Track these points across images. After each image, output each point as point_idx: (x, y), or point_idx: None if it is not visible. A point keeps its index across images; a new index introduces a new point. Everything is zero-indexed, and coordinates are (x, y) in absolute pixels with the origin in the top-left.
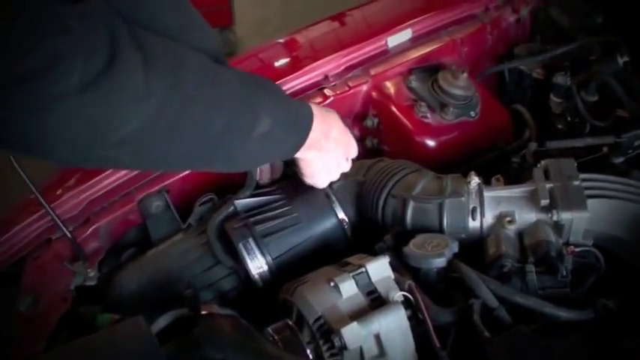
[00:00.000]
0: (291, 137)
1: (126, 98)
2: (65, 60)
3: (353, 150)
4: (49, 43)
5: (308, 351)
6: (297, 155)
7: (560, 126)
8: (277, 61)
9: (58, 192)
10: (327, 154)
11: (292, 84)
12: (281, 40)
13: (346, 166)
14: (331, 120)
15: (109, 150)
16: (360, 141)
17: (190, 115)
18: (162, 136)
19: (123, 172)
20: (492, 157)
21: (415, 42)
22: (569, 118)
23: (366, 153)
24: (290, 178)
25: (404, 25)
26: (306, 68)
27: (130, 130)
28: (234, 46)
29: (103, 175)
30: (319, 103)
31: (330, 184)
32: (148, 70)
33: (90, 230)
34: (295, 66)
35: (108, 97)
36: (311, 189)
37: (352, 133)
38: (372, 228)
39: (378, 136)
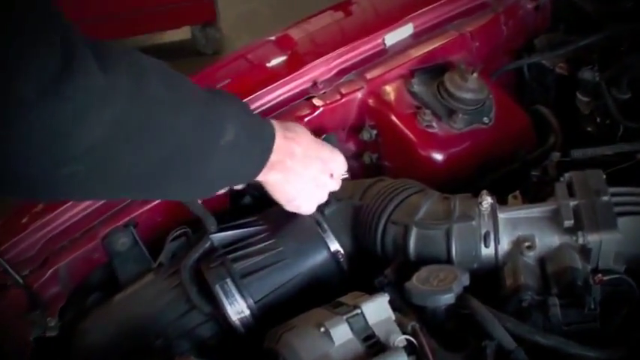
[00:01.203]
0: (255, 149)
1: (87, 102)
2: (18, 68)
3: (337, 164)
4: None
5: None
6: (261, 179)
7: (589, 129)
8: (268, 62)
9: (11, 231)
10: (297, 175)
11: (276, 93)
12: (260, 42)
13: (333, 184)
14: (296, 136)
15: (76, 165)
16: (357, 157)
17: (156, 119)
18: (128, 146)
19: (84, 205)
20: (511, 171)
21: (417, 38)
22: (598, 120)
23: (364, 170)
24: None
25: (404, 19)
26: (291, 75)
27: (96, 138)
28: (219, 44)
29: (62, 208)
30: (307, 115)
31: (321, 210)
32: (107, 72)
33: (48, 273)
34: (277, 73)
35: (68, 102)
36: (297, 217)
37: (339, 147)
38: (371, 259)
39: (377, 150)
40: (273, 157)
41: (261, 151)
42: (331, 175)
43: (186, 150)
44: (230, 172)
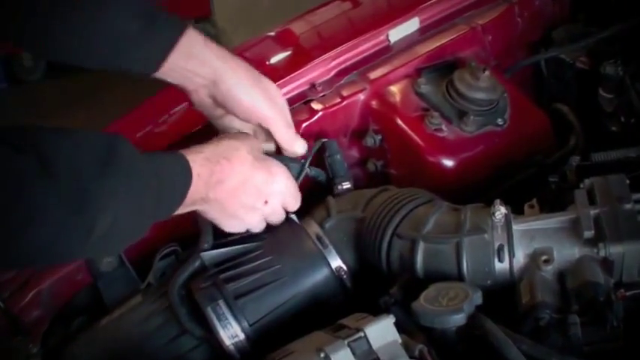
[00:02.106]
0: (163, 203)
1: None
2: None
3: (274, 188)
4: None
5: None
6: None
7: (613, 128)
8: (266, 60)
9: None
10: (221, 205)
11: None
12: (259, 39)
13: (267, 210)
14: (227, 165)
15: None
16: (361, 164)
17: None
18: None
19: None
20: (528, 177)
21: (424, 34)
22: (622, 118)
23: (367, 179)
24: None
25: (409, 13)
26: (287, 77)
27: None
28: (215, 40)
29: None
30: (305, 120)
31: (321, 224)
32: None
33: (30, 296)
34: (273, 74)
35: None
36: (295, 232)
37: (340, 153)
38: (375, 277)
39: (383, 157)
40: (190, 197)
41: (170, 201)
42: (265, 202)
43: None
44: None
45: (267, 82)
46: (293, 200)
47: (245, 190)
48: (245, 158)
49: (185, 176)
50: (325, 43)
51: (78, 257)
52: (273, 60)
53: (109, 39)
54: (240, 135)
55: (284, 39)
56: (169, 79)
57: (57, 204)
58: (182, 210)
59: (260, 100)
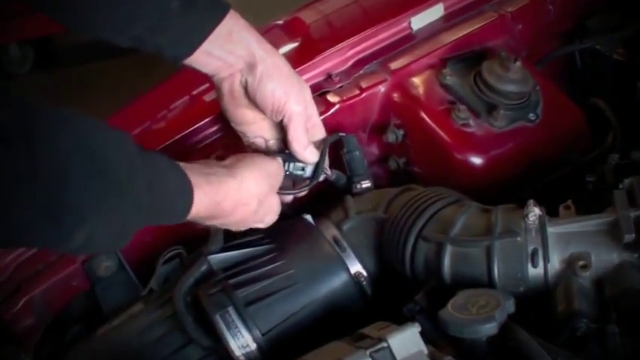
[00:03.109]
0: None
1: None
2: None
3: (268, 207)
4: None
5: None
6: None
7: None
8: None
9: None
10: (223, 219)
11: None
12: (266, 27)
13: (267, 221)
14: (235, 185)
15: None
16: (381, 162)
17: None
18: None
19: None
20: (562, 176)
21: (449, 21)
22: None
23: (389, 177)
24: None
25: None
26: (301, 67)
27: None
28: None
29: None
30: (321, 114)
31: (339, 225)
32: None
33: (21, 302)
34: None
35: None
36: (310, 234)
37: (359, 150)
38: (398, 283)
39: (405, 154)
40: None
41: (160, 220)
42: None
43: None
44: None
45: (303, 81)
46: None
47: (243, 207)
48: (252, 208)
49: (182, 208)
50: (342, 31)
51: None
52: (284, 49)
53: (147, 15)
54: (275, 167)
55: (295, 27)
56: (201, 66)
57: (35, 212)
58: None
59: (292, 93)
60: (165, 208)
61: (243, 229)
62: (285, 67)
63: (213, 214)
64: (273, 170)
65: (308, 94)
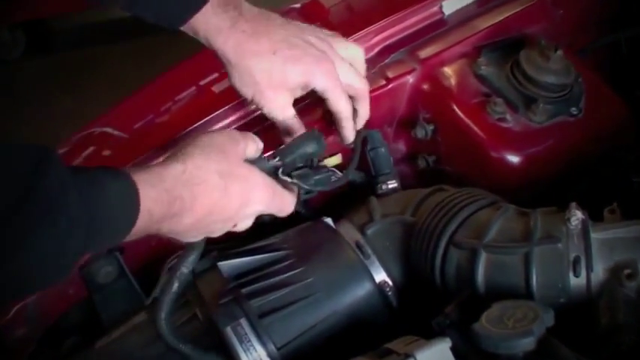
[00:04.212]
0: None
1: None
2: None
3: (248, 218)
4: None
5: None
6: None
7: None
8: None
9: None
10: (175, 234)
11: None
12: (282, 11)
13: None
14: (190, 202)
15: None
16: (409, 160)
17: None
18: None
19: None
20: (607, 176)
21: (484, 5)
22: None
23: (417, 177)
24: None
25: None
26: None
27: None
28: None
29: None
30: None
31: (363, 230)
32: None
33: (13, 311)
34: None
35: None
36: (330, 239)
37: (385, 146)
38: (427, 293)
39: (435, 151)
40: (134, 233)
41: (103, 239)
42: (234, 225)
43: None
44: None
45: None
46: (281, 206)
47: (208, 222)
48: (215, 186)
49: (129, 213)
50: (366, 16)
51: None
52: None
53: None
54: (225, 138)
55: (313, 11)
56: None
57: None
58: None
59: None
60: (106, 224)
61: (221, 228)
62: None
63: (169, 210)
64: (227, 138)
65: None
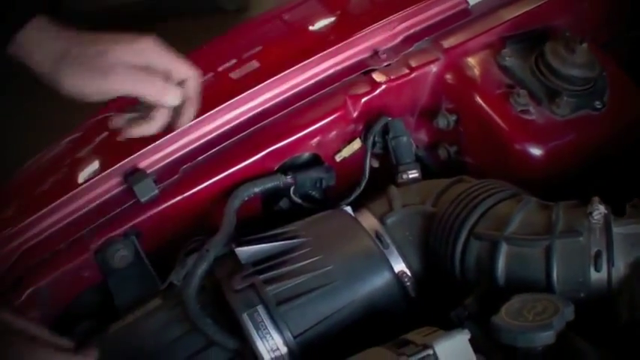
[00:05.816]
0: None
1: None
2: None
3: None
4: None
5: None
6: None
7: None
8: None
9: None
10: None
11: (323, 65)
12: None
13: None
14: None
15: None
16: (431, 150)
17: None
18: None
19: (70, 208)
20: (630, 170)
21: None
22: None
23: (439, 167)
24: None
25: None
26: (344, 42)
27: None
28: (245, 2)
29: (42, 212)
30: (365, 95)
31: (382, 219)
32: None
33: (25, 295)
34: (325, 40)
35: None
36: (349, 228)
37: (407, 135)
38: (446, 284)
39: (457, 141)
40: None
41: None
42: None
43: None
44: None
45: None
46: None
47: None
48: None
49: None
50: (389, 4)
51: None
52: (322, 23)
53: None
54: None
55: None
56: None
57: None
58: None
59: None
60: None
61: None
62: None
63: None
64: None
65: None
